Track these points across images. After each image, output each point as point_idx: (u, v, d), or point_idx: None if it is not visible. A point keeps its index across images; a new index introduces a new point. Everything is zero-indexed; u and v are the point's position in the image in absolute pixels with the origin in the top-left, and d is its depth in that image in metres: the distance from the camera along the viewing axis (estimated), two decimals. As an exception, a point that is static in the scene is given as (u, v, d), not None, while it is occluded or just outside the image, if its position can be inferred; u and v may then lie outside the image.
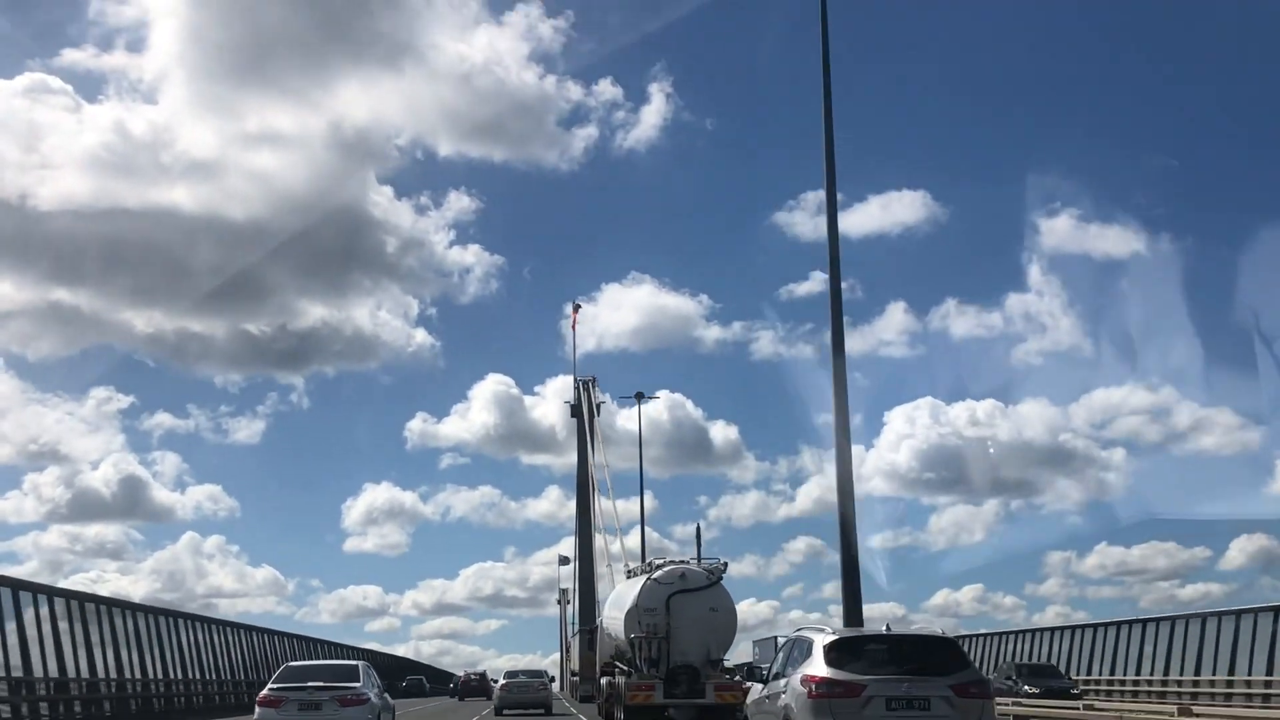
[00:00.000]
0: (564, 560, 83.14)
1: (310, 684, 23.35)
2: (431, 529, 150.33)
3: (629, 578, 38.47)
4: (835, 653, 15.88)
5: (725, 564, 33.31)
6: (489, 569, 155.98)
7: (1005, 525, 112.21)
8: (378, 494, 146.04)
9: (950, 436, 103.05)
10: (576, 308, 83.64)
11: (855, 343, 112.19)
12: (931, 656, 16.01)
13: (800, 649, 16.99)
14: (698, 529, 62.57)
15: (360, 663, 25.79)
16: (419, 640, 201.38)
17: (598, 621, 43.31)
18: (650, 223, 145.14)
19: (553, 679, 74.18)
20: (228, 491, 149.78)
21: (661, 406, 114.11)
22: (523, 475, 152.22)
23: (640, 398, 66.92)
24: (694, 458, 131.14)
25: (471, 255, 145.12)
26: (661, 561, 34.49)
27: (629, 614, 32.47)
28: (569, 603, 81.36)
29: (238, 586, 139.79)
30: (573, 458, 77.76)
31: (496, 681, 64.28)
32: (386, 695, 26.42)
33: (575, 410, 76.83)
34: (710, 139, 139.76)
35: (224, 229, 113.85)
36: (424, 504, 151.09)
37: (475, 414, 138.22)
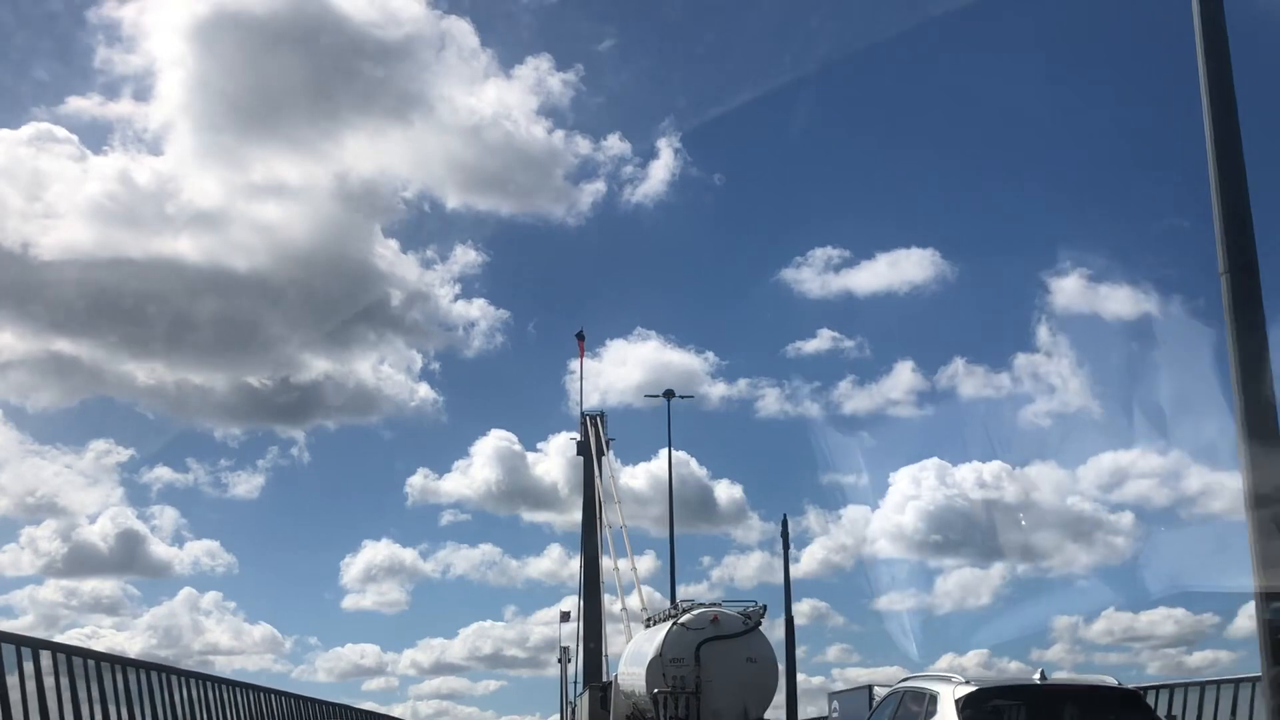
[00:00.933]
0: (565, 617, 79.89)
1: None
2: (431, 587, 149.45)
3: (648, 626, 35.34)
4: (973, 709, 12.58)
5: (764, 607, 30.06)
6: (489, 628, 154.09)
7: (1012, 589, 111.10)
8: (377, 551, 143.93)
9: (957, 498, 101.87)
10: (581, 338, 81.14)
11: (862, 402, 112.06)
12: (1104, 714, 12.62)
13: (916, 704, 13.68)
14: (784, 523, 53.95)
15: None
16: (416, 700, 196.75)
17: (611, 677, 39.62)
18: (657, 278, 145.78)
19: None
20: (226, 547, 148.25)
21: (664, 464, 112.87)
22: (524, 533, 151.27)
23: (670, 396, 64.12)
24: (698, 516, 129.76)
25: (476, 309, 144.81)
26: (689, 604, 31.18)
27: (651, 666, 29.24)
28: (570, 661, 78.09)
29: (234, 643, 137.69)
30: (576, 515, 75.02)
31: None
32: None
33: (583, 447, 74.19)
34: (718, 194, 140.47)
35: (227, 280, 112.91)
36: (424, 561, 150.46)
37: (477, 470, 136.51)
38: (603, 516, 63.11)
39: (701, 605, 30.48)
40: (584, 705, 51.90)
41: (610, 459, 67.66)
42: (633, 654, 34.39)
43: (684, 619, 29.45)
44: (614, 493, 62.30)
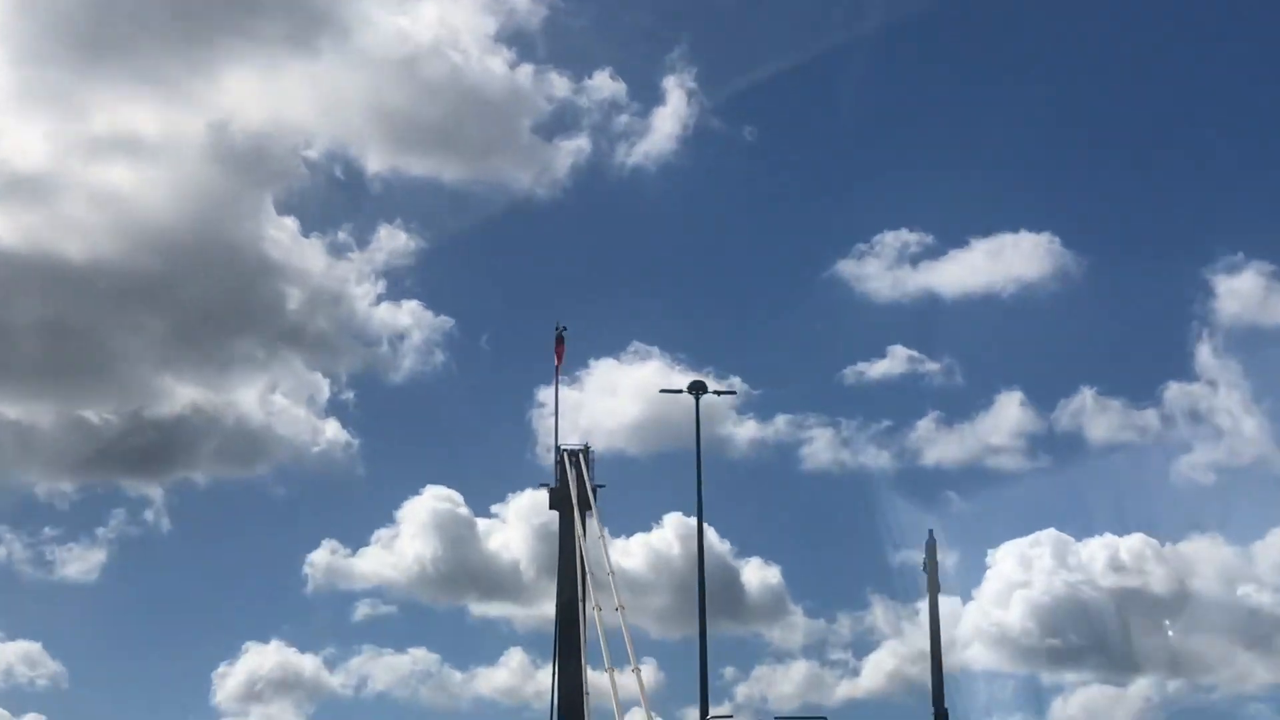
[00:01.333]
0: None
1: None
2: (341, 709, 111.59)
3: None
4: None
5: None
6: None
7: (1160, 716, 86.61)
8: (264, 657, 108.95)
9: (1082, 586, 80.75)
10: (561, 340, 68.26)
11: (950, 449, 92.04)
12: None
13: None
14: (930, 547, 41.67)
15: None
16: None
17: None
18: (661, 272, 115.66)
19: None
20: (50, 651, 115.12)
21: (671, 536, 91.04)
22: (473, 633, 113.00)
23: (700, 391, 51.77)
24: (719, 609, 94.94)
25: (408, 315, 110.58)
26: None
27: None
28: None
29: None
30: (546, 607, 62.71)
31: None
32: None
33: (557, 497, 62.79)
34: (749, 155, 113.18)
35: (56, 272, 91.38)
36: (330, 672, 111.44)
37: (406, 544, 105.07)
38: (587, 597, 51.03)
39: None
40: None
41: (597, 518, 55.70)
42: None
43: None
44: (605, 561, 50.49)
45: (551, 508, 64.43)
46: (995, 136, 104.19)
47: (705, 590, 46.11)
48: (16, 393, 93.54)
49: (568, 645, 57.96)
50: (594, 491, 59.55)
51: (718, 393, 54.45)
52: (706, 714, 36.98)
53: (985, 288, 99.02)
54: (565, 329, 67.88)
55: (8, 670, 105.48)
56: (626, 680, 42.37)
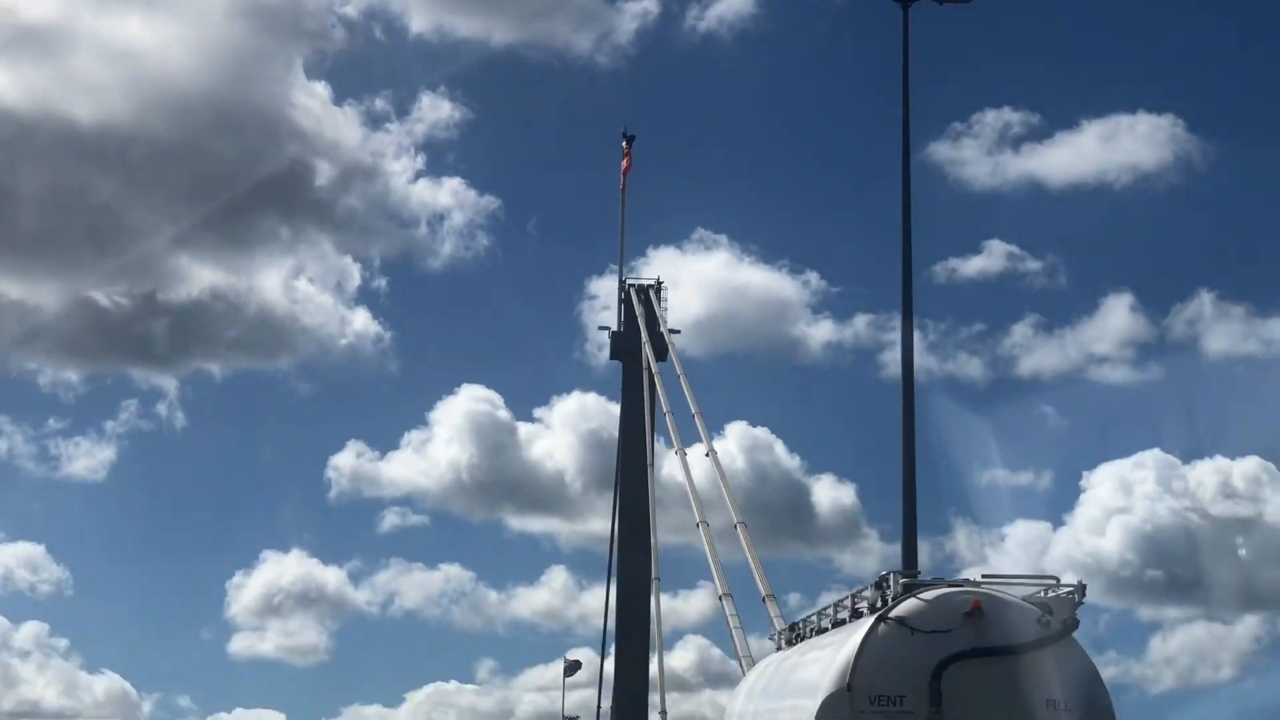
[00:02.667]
0: (572, 667, 59.79)
1: None
2: (366, 627, 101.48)
3: (786, 646, 22.60)
4: None
5: (1082, 587, 17.22)
6: (452, 694, 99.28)
7: (1272, 658, 75.69)
8: (283, 568, 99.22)
9: (1189, 514, 72.02)
10: (629, 144, 58.98)
11: (1049, 356, 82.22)
12: None
13: None
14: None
15: None
16: None
17: None
18: (733, 152, 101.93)
19: None
20: (54, 555, 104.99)
21: (734, 448, 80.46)
22: (511, 549, 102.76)
23: None
24: (785, 531, 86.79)
25: (449, 194, 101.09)
26: (914, 577, 18.12)
27: (832, 707, 16.91)
28: None
29: (66, 702, 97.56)
30: (593, 523, 54.29)
31: None
32: None
33: (620, 344, 53.70)
34: (834, 18, 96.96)
35: (63, 135, 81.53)
36: (354, 587, 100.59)
37: (439, 449, 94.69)
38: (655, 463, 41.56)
39: (942, 583, 17.80)
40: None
41: (676, 361, 46.20)
42: (770, 687, 21.02)
43: (904, 609, 17.34)
44: (690, 402, 41.08)
45: (613, 358, 55.13)
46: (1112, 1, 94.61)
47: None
48: (18, 270, 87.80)
49: (631, 542, 49.38)
50: (669, 340, 50.32)
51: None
52: (914, 557, 27.96)
53: (1096, 176, 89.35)
54: (634, 136, 58.82)
55: (7, 575, 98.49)
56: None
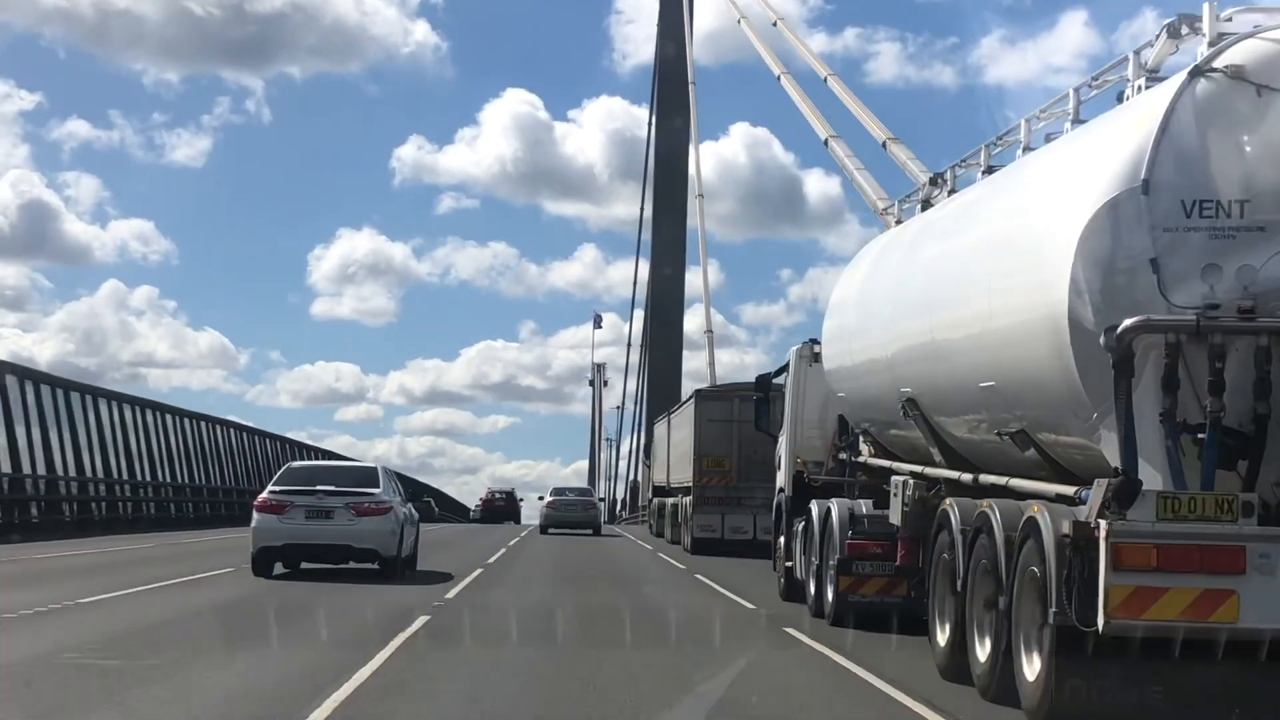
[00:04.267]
0: (599, 321, 61.34)
1: (320, 488, 21.06)
2: (426, 294, 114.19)
3: (896, 223, 17.18)
4: None
5: None
6: (499, 350, 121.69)
7: None
8: (357, 243, 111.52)
9: None
10: None
11: (1010, 66, 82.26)
12: None
13: None
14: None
15: (379, 466, 23.58)
16: (405, 436, 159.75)
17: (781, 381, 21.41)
18: None
19: (602, 499, 69.26)
20: (161, 229, 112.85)
21: (737, 144, 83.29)
22: (548, 229, 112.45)
23: None
24: (777, 216, 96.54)
25: None
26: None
27: (1111, 216, 9.04)
28: (606, 383, 60.03)
29: (174, 354, 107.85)
30: (618, 209, 55.41)
31: (523, 501, 68.92)
32: (411, 506, 23.51)
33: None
34: None
35: None
36: (417, 260, 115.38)
37: (488, 142, 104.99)
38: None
39: None
40: (688, 429, 32.56)
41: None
42: (948, 228, 13.98)
43: (1238, 54, 9.19)
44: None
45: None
46: None
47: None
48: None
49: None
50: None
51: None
52: None
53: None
54: None
55: (123, 246, 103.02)
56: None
